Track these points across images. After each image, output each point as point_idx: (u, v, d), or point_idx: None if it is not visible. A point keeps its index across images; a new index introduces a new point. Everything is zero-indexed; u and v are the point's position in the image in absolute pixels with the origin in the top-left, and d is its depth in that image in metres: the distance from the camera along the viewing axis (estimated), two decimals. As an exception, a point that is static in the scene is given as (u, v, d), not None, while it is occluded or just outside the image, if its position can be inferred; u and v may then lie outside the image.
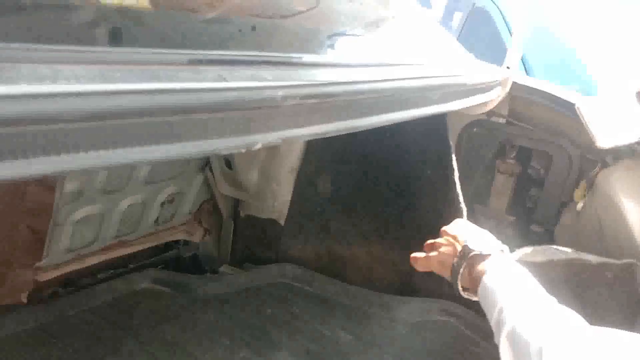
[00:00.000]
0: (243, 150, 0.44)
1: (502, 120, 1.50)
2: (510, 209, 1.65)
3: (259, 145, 0.45)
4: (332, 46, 0.98)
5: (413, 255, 1.03)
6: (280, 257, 1.92)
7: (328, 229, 1.87)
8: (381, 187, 1.80)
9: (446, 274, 0.96)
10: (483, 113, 1.44)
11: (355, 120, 0.56)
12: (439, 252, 0.98)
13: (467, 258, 0.90)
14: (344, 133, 0.55)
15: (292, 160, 1.82)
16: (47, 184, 1.38)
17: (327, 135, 0.55)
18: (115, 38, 0.64)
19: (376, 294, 1.75)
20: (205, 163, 1.89)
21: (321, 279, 1.82)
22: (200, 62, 0.48)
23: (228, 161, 1.82)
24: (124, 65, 0.43)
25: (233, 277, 1.84)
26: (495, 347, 0.78)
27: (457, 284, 0.92)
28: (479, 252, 0.89)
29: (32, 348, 1.39)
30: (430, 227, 1.73)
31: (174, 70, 0.45)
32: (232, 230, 1.99)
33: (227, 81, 0.44)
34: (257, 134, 0.45)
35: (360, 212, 1.84)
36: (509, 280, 0.83)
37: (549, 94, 1.40)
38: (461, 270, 0.91)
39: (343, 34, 1.06)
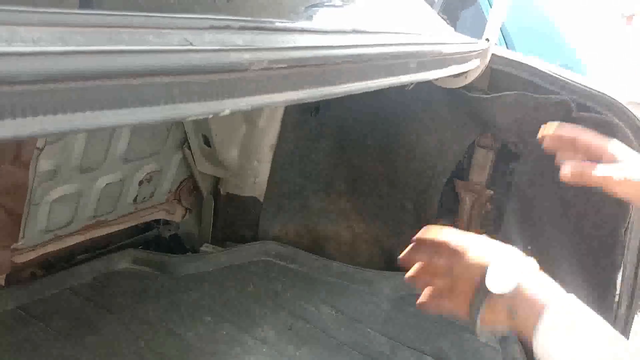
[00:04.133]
0: (210, 116, 0.43)
1: (481, 94, 1.49)
2: (490, 183, 1.66)
3: (227, 112, 0.44)
4: (309, 16, 0.96)
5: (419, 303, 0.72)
6: (261, 235, 1.91)
7: (307, 207, 1.87)
8: (359, 162, 1.81)
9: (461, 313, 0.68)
10: (462, 87, 1.43)
11: (329, 87, 0.55)
12: (441, 290, 0.69)
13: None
14: (317, 100, 0.54)
15: (272, 137, 1.80)
16: (21, 162, 1.35)
17: (300, 102, 0.54)
18: (86, 1, 0.62)
19: (359, 269, 1.76)
20: (183, 141, 1.86)
21: (303, 256, 1.82)
22: (167, 26, 0.47)
23: (207, 139, 1.79)
24: (87, 28, 0.41)
25: (214, 256, 1.83)
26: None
27: (476, 324, 0.64)
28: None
29: (12, 329, 1.37)
30: (411, 201, 1.76)
31: (140, 33, 0.43)
32: (212, 209, 1.98)
33: (192, 45, 0.42)
34: (226, 99, 0.44)
35: (339, 189, 1.84)
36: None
37: (530, 66, 1.39)
38: (482, 311, 0.64)
39: (322, 5, 1.04)
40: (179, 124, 1.80)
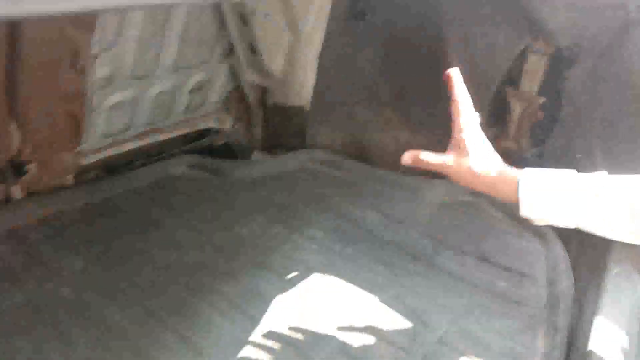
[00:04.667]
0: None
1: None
2: (542, 90, 1.62)
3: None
4: None
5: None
6: (308, 143, 1.96)
7: (353, 116, 1.89)
8: (405, 71, 1.79)
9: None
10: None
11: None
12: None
13: None
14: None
15: (317, 45, 1.80)
16: (78, 69, 1.41)
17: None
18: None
19: (403, 176, 1.79)
20: (229, 49, 1.88)
21: (349, 163, 1.87)
22: None
23: (252, 47, 1.81)
24: None
25: (264, 162, 1.90)
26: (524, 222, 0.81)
27: None
28: None
29: (80, 222, 1.51)
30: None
31: None
32: (261, 118, 2.03)
33: None
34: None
35: (384, 99, 1.84)
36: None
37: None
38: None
39: None
40: (225, 32, 1.81)
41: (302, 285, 1.32)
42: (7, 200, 1.52)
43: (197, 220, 1.56)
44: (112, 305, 1.22)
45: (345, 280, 1.34)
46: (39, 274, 1.29)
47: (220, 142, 2.15)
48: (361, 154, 1.91)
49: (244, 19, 1.71)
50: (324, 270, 1.38)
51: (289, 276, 1.36)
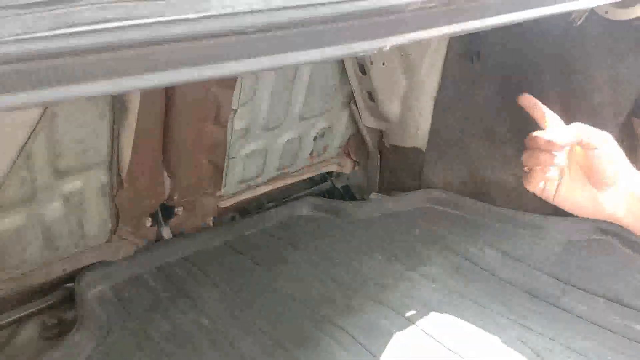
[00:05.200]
0: (375, 52, 0.54)
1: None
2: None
3: (387, 48, 0.55)
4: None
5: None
6: (424, 183, 2.00)
7: (469, 154, 1.90)
8: (521, 108, 1.77)
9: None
10: (636, 18, 1.33)
11: (479, 20, 0.62)
12: None
13: None
14: (468, 32, 0.61)
15: (433, 87, 1.86)
16: (220, 122, 1.63)
17: (452, 35, 0.62)
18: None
19: (525, 213, 1.75)
20: (349, 98, 2.02)
21: (467, 202, 1.87)
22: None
23: (370, 95, 1.93)
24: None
25: (382, 202, 1.98)
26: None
27: None
28: None
29: (220, 257, 1.69)
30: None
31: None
32: (378, 161, 2.12)
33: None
34: (387, 37, 0.54)
35: (502, 136, 1.83)
36: None
37: None
38: None
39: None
40: (345, 83, 1.96)
41: (421, 323, 1.34)
42: (158, 240, 1.76)
43: (319, 256, 1.67)
44: (245, 335, 1.34)
45: (464, 320, 1.34)
46: (183, 305, 1.46)
47: (341, 185, 2.28)
48: (479, 192, 1.90)
49: (363, 69, 1.85)
50: (443, 309, 1.39)
51: (408, 314, 1.39)
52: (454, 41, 1.77)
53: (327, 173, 2.24)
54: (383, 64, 1.81)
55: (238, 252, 1.73)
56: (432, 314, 1.37)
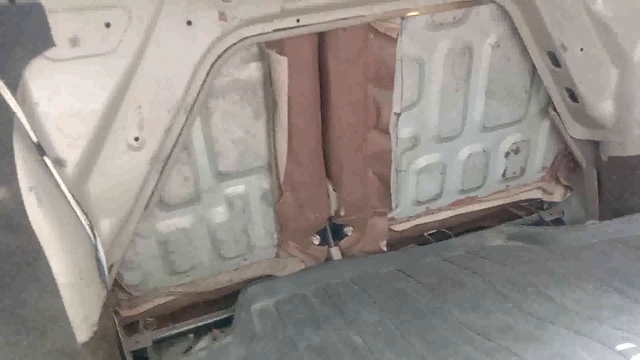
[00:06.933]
0: None
1: None
2: None
3: None
4: None
5: None
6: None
7: None
8: None
9: None
10: None
11: None
12: None
13: None
14: None
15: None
16: (382, 128, 1.50)
17: None
18: None
19: None
20: (547, 103, 1.69)
21: None
22: None
23: (572, 92, 1.57)
24: None
25: (601, 227, 1.56)
26: None
27: None
28: None
29: (389, 282, 1.50)
30: None
31: None
32: (595, 180, 1.69)
33: None
34: None
35: None
36: None
37: None
38: None
39: None
40: (539, 85, 1.65)
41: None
42: (327, 259, 1.66)
43: (507, 286, 1.36)
44: (397, 357, 1.17)
45: None
46: (337, 322, 1.33)
47: (551, 218, 1.87)
48: None
49: (555, 60, 1.52)
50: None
51: (620, 347, 1.00)
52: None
53: (527, 201, 1.87)
54: (581, 49, 1.47)
55: (409, 276, 1.51)
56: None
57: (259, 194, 1.50)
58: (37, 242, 1.01)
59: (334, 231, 1.65)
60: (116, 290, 1.48)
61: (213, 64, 1.19)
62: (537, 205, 1.92)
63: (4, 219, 0.98)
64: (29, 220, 1.00)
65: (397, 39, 1.38)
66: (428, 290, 1.42)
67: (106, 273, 1.21)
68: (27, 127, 0.96)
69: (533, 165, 1.81)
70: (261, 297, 1.51)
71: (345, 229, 1.65)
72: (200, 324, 1.55)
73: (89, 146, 1.08)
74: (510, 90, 1.63)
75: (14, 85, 0.96)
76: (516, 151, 1.76)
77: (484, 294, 1.35)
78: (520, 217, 1.91)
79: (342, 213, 1.61)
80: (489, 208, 1.81)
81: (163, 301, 1.55)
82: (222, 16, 1.12)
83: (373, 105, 1.46)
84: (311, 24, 1.24)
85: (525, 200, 1.87)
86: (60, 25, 0.98)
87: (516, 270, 1.43)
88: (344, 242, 1.67)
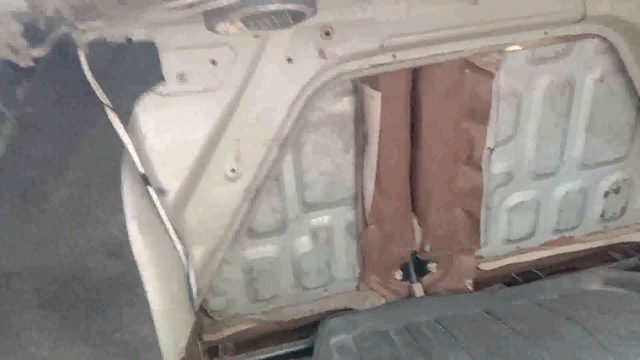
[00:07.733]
0: None
1: None
2: None
3: None
4: None
5: None
6: None
7: None
8: None
9: None
10: None
11: None
12: None
13: None
14: None
15: None
16: (475, 163, 1.45)
17: None
18: None
19: None
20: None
21: None
22: None
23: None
24: None
25: None
26: None
27: None
28: None
29: (476, 324, 1.43)
30: None
31: None
32: None
33: None
34: None
35: None
36: None
37: None
38: None
39: None
40: None
41: None
42: (409, 296, 1.61)
43: (607, 337, 1.25)
44: None
45: None
46: (423, 364, 1.27)
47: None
48: None
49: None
50: None
51: None
52: None
53: (627, 243, 1.73)
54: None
55: (498, 319, 1.43)
56: None
57: (343, 225, 1.49)
58: (136, 269, 1.05)
59: (417, 267, 1.60)
60: (200, 315, 1.51)
61: (309, 99, 1.20)
62: (636, 248, 1.78)
63: (109, 246, 1.03)
64: (130, 248, 1.04)
65: (495, 73, 1.33)
66: (520, 336, 1.33)
67: (196, 299, 1.24)
68: (136, 159, 1.01)
69: (634, 205, 1.69)
70: (341, 331, 1.49)
71: (429, 265, 1.60)
72: (278, 352, 1.55)
73: (189, 177, 1.11)
74: (613, 126, 1.53)
75: (126, 119, 1.01)
76: (617, 190, 1.64)
77: (582, 345, 1.25)
78: (617, 260, 1.78)
79: (427, 249, 1.56)
80: (584, 250, 1.70)
81: (244, 328, 1.56)
82: (321, 54, 1.13)
83: (466, 139, 1.42)
84: (407, 60, 1.23)
85: (625, 243, 1.74)
86: (170, 62, 1.03)
87: (618, 320, 1.32)
88: (427, 279, 1.61)
